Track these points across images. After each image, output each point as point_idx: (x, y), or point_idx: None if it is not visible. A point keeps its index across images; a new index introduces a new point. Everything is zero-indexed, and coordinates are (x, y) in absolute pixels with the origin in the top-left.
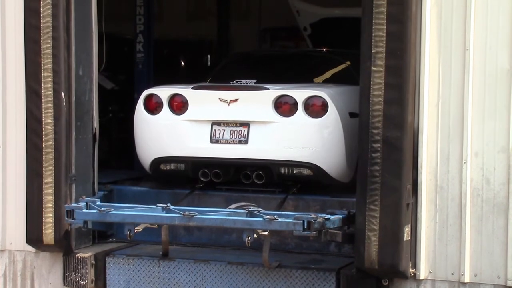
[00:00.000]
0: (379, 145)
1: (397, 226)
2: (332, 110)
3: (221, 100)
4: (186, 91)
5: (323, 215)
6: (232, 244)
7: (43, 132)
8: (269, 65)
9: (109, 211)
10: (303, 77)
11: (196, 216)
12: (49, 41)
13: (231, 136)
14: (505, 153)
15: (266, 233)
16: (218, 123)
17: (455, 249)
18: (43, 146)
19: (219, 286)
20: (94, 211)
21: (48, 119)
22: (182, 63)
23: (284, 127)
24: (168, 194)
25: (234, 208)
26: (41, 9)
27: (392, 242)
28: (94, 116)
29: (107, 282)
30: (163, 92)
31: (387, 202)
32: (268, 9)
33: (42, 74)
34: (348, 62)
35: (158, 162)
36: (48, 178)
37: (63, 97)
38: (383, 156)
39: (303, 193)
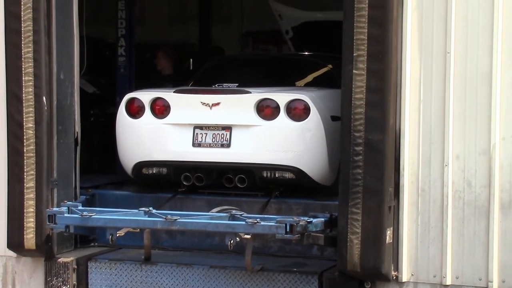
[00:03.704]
0: (361, 148)
1: (379, 229)
2: (314, 114)
3: (203, 103)
4: (168, 95)
5: (306, 218)
6: (215, 248)
7: (24, 137)
8: (251, 68)
9: (91, 215)
10: (285, 81)
11: (179, 220)
12: (30, 45)
13: (213, 140)
14: (486, 156)
15: (248, 236)
16: (200, 127)
17: (437, 251)
18: (24, 150)
19: None
20: (76, 215)
21: (29, 124)
22: None
23: (266, 131)
24: (150, 198)
25: (217, 212)
26: (22, 13)
27: (374, 245)
28: (76, 120)
29: (89, 287)
30: (145, 96)
31: (369, 205)
32: (250, 12)
33: (23, 78)
34: (330, 66)
35: (140, 166)
36: (30, 183)
37: (45, 101)
38: (365, 159)
39: (286, 197)
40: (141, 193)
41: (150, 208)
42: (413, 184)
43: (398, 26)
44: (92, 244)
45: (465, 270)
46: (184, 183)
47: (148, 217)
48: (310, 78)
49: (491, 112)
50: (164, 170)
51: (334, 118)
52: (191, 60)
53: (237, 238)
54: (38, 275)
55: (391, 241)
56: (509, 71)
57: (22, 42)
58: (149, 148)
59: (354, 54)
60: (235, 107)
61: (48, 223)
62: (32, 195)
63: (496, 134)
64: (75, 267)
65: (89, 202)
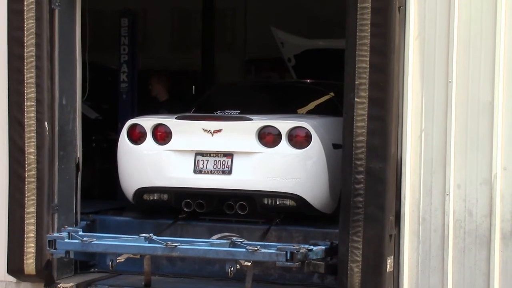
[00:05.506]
0: (362, 176)
1: (380, 257)
2: (315, 141)
3: (205, 130)
4: (170, 121)
5: (306, 246)
6: (215, 275)
7: (26, 162)
8: (253, 95)
9: (92, 241)
10: (287, 108)
11: (179, 246)
12: (33, 70)
13: (214, 167)
14: (487, 185)
15: (249, 263)
16: (202, 154)
17: (437, 281)
18: (26, 175)
19: None
20: (76, 241)
21: (31, 149)
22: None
23: (268, 158)
24: (151, 224)
25: (217, 239)
26: (25, 38)
27: (375, 273)
28: (78, 145)
29: None
30: (147, 122)
31: (370, 234)
32: (253, 40)
33: (25, 104)
34: (332, 93)
35: (141, 192)
36: (30, 208)
37: (46, 126)
38: (366, 187)
39: (286, 224)
40: (141, 219)
41: (151, 234)
42: (414, 212)
43: (400, 55)
44: (92, 270)
45: None
46: (185, 209)
47: (149, 243)
48: (312, 105)
49: (492, 141)
50: (165, 196)
51: (335, 146)
52: (194, 86)
53: (238, 265)
54: None
55: (391, 269)
56: (510, 100)
57: (25, 68)
58: (150, 174)
59: (356, 82)
60: (237, 134)
61: (48, 248)
62: (33, 220)
63: (498, 164)
64: None
65: (90, 228)
